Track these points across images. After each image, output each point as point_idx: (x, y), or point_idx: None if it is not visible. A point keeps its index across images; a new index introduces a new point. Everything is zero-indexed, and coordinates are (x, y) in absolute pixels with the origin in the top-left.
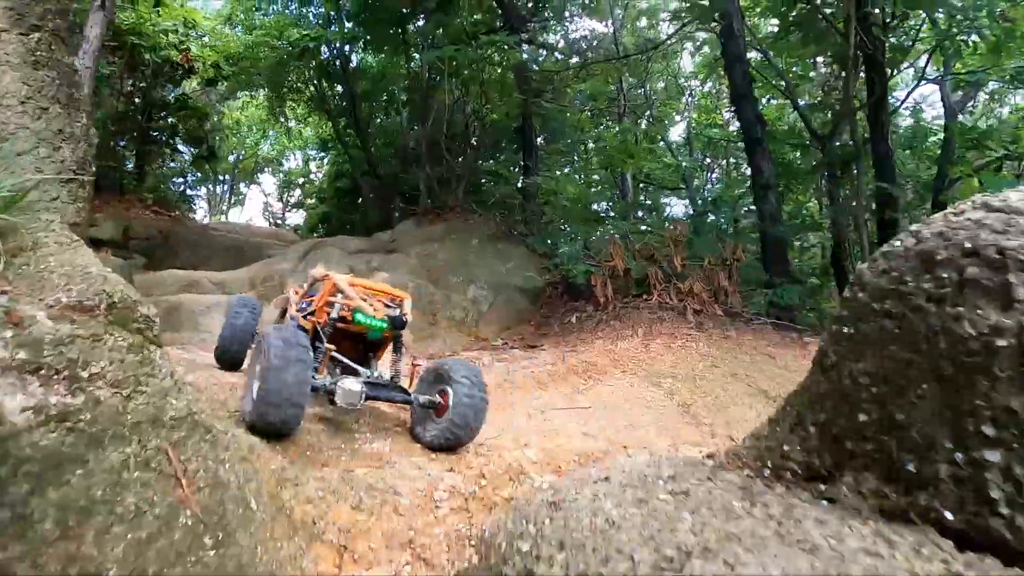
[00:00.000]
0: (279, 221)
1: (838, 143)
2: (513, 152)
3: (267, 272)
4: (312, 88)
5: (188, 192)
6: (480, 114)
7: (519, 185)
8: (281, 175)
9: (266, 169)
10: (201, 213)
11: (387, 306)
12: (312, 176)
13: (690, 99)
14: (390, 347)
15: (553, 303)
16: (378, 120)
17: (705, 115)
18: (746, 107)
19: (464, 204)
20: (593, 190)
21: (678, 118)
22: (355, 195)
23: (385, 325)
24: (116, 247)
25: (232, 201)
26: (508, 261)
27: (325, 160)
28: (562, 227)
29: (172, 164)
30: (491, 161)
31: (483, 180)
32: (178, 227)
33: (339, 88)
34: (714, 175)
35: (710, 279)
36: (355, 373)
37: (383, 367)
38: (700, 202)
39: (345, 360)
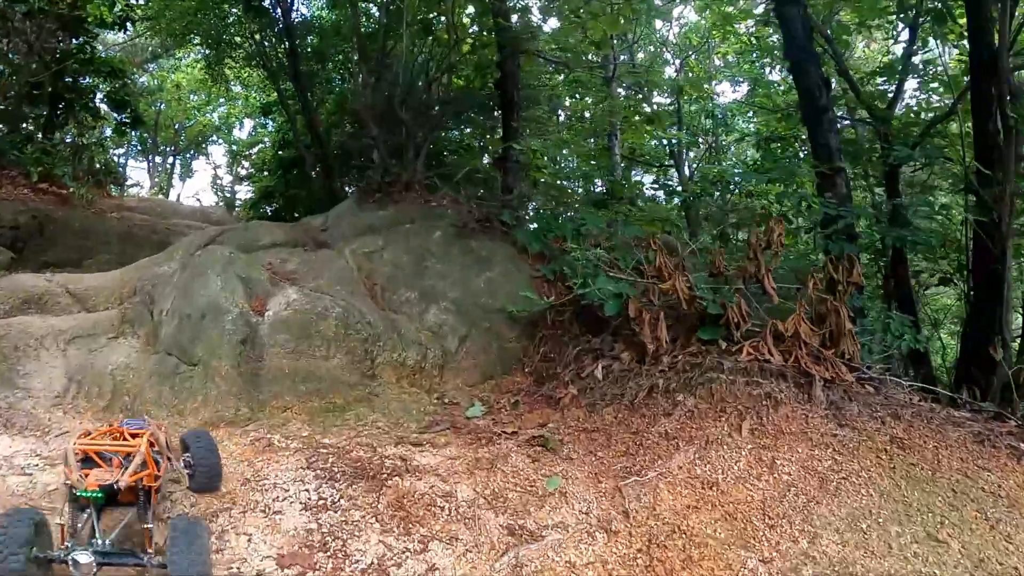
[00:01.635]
0: (229, 195)
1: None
2: (484, 118)
3: (143, 277)
4: (252, 42)
5: (121, 164)
6: (446, 67)
7: (499, 154)
8: (230, 145)
9: (215, 139)
10: (139, 190)
11: (121, 464)
12: (263, 145)
13: (680, 65)
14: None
15: (556, 336)
16: (329, 83)
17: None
18: (807, 65)
19: (425, 180)
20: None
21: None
22: (302, 167)
23: (99, 495)
24: None
25: (180, 174)
26: (488, 268)
27: (271, 127)
28: (559, 212)
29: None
30: (457, 132)
31: (446, 153)
32: (62, 210)
33: (284, 45)
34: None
35: (820, 316)
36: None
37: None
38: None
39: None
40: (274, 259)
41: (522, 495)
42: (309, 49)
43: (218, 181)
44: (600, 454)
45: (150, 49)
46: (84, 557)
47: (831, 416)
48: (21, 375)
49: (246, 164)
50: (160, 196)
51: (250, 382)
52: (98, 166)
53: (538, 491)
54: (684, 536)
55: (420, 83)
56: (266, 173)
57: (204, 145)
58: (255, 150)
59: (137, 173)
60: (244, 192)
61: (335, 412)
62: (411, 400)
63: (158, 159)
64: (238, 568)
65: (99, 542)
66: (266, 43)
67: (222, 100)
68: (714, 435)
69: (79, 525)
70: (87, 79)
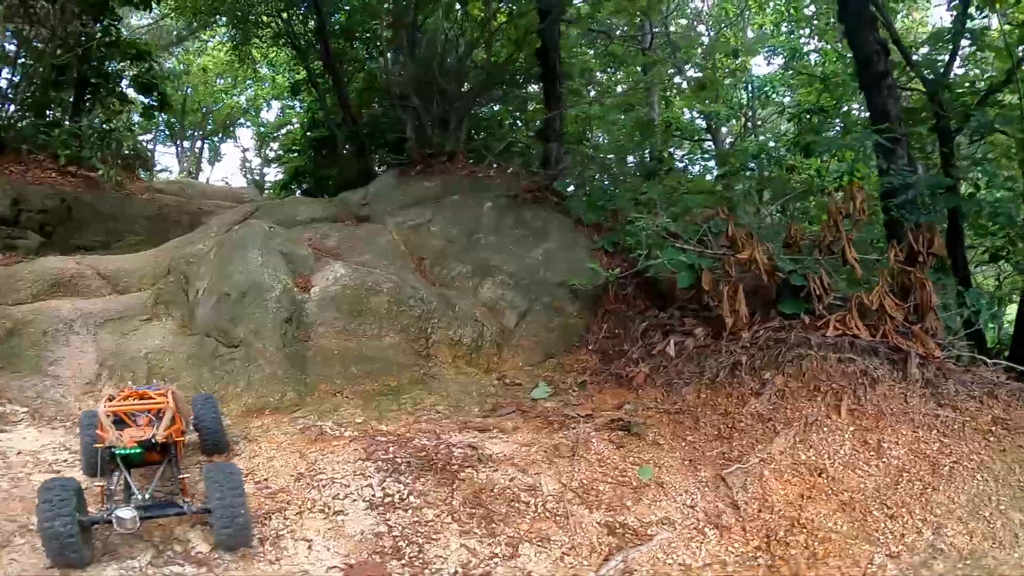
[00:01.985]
0: (258, 178)
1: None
2: (521, 91)
3: (177, 256)
4: (280, 21)
5: (149, 148)
6: (485, 38)
7: (541, 125)
8: (258, 128)
9: (242, 122)
10: (168, 175)
11: (151, 422)
12: (291, 127)
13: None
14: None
15: (620, 311)
16: (358, 61)
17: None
18: (864, 30)
19: (468, 152)
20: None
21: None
22: (332, 147)
23: (137, 451)
24: (3, 223)
25: (209, 158)
26: (543, 239)
27: (300, 108)
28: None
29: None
30: (491, 107)
31: (481, 128)
32: (91, 193)
33: (311, 23)
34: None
35: (903, 289)
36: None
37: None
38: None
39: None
40: (313, 235)
41: (614, 487)
42: (337, 27)
43: (247, 164)
44: (690, 438)
45: (175, 32)
46: (127, 513)
47: (929, 395)
48: (50, 361)
49: (274, 146)
50: (189, 179)
51: (296, 364)
52: (126, 151)
53: (630, 482)
54: (804, 530)
55: (457, 53)
56: (296, 153)
57: (232, 128)
58: (283, 131)
59: (165, 158)
60: (273, 174)
61: (390, 396)
62: (470, 381)
63: (186, 144)
64: None
65: (139, 497)
66: (294, 20)
67: (249, 82)
68: (812, 416)
69: (112, 487)
70: (113, 63)
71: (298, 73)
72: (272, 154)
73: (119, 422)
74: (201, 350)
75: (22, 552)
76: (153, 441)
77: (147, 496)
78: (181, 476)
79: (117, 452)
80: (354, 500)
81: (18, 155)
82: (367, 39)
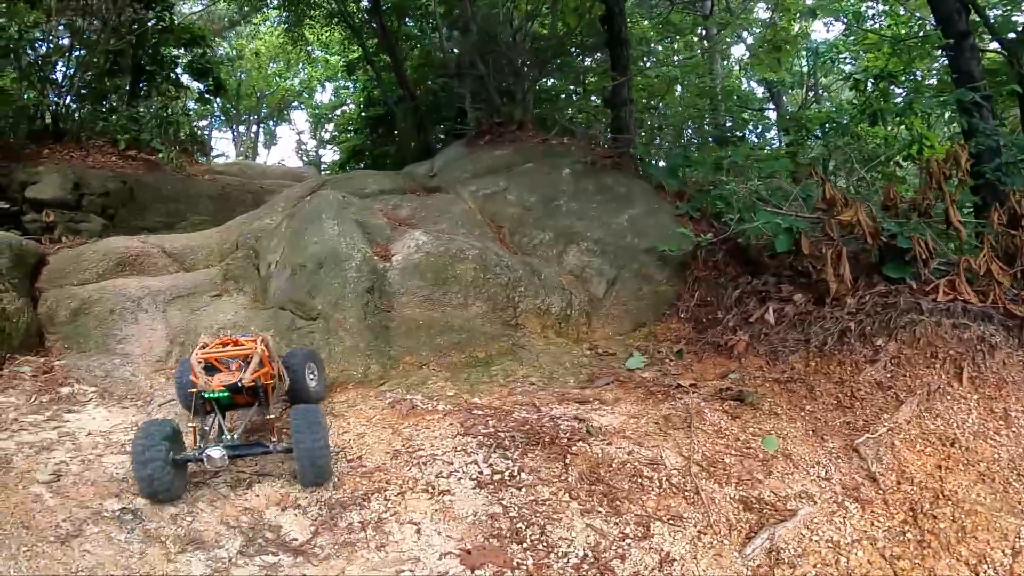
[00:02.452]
0: (313, 160)
1: None
2: (585, 59)
3: (245, 232)
4: (332, 1)
5: (205, 134)
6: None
7: (608, 91)
8: (312, 110)
9: (296, 105)
10: (225, 159)
11: (240, 367)
12: (345, 108)
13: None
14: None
15: (710, 278)
16: (411, 39)
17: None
18: None
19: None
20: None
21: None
22: (389, 124)
23: (225, 395)
24: (65, 207)
25: (264, 142)
26: (628, 205)
27: (354, 87)
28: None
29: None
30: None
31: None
32: (152, 175)
33: (363, 1)
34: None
35: (1008, 254)
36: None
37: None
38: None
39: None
40: (384, 206)
41: (740, 459)
42: (387, 5)
43: (302, 146)
44: (808, 408)
45: (227, 18)
46: (217, 452)
47: None
48: (118, 340)
49: (329, 127)
50: (247, 161)
51: (380, 336)
52: (184, 136)
53: (756, 454)
54: (950, 503)
55: (513, 25)
56: (352, 133)
57: (286, 112)
58: (338, 112)
59: (221, 144)
60: (329, 155)
61: (478, 367)
62: (561, 352)
63: (241, 128)
64: (411, 571)
65: (228, 438)
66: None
67: (302, 65)
68: (934, 385)
69: (207, 428)
70: (167, 50)
71: (352, 53)
72: (327, 135)
73: (211, 368)
74: (276, 324)
75: (96, 543)
76: (240, 385)
77: (236, 437)
78: (268, 417)
79: (207, 396)
80: (460, 478)
81: (78, 142)
82: (419, 16)
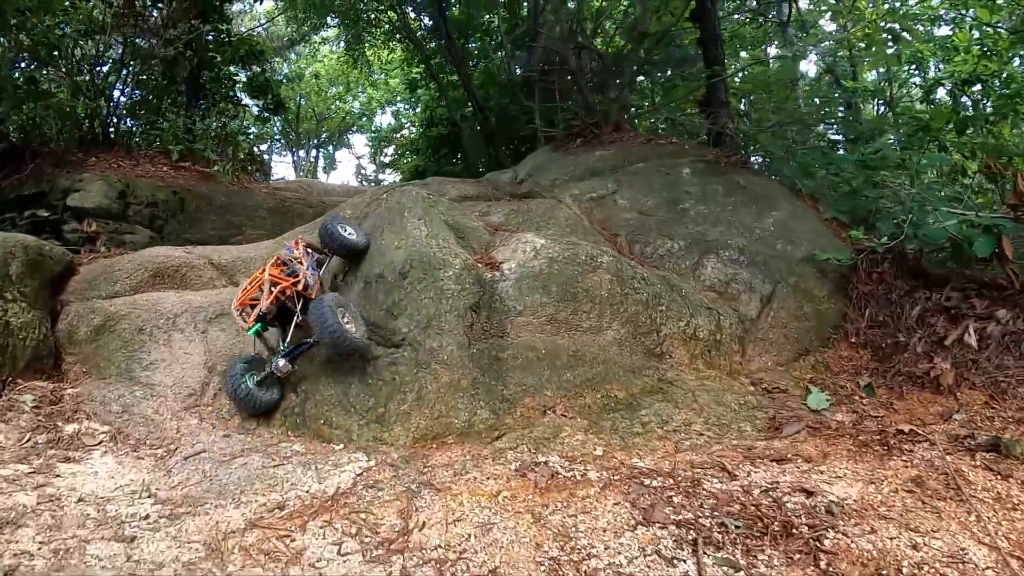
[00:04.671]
0: (374, 183)
1: None
2: (674, 60)
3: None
4: (396, 12)
5: (266, 156)
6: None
7: (704, 90)
8: (372, 133)
9: (355, 129)
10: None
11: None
12: (405, 131)
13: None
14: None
15: (878, 292)
16: (471, 57)
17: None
18: None
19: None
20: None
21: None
22: (452, 144)
23: (260, 325)
24: (109, 216)
25: (323, 166)
26: (770, 207)
27: (415, 109)
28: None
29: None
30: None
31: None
32: (206, 185)
33: (424, 20)
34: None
35: None
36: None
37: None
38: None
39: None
40: (474, 210)
41: None
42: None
43: (362, 170)
44: None
45: (286, 38)
46: (280, 362)
47: None
48: (145, 365)
49: (388, 151)
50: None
51: (488, 370)
52: (242, 155)
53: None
54: None
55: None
56: (414, 155)
57: (346, 136)
58: (398, 135)
59: (281, 168)
60: (389, 179)
61: (622, 412)
62: (719, 388)
63: (301, 153)
64: None
65: (282, 348)
66: (408, 15)
67: (361, 88)
68: None
69: (272, 344)
70: (225, 66)
71: (414, 71)
72: (386, 159)
73: (253, 306)
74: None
75: None
76: (263, 313)
77: (286, 345)
78: (298, 320)
79: (250, 333)
80: None
81: (128, 151)
82: (480, 35)
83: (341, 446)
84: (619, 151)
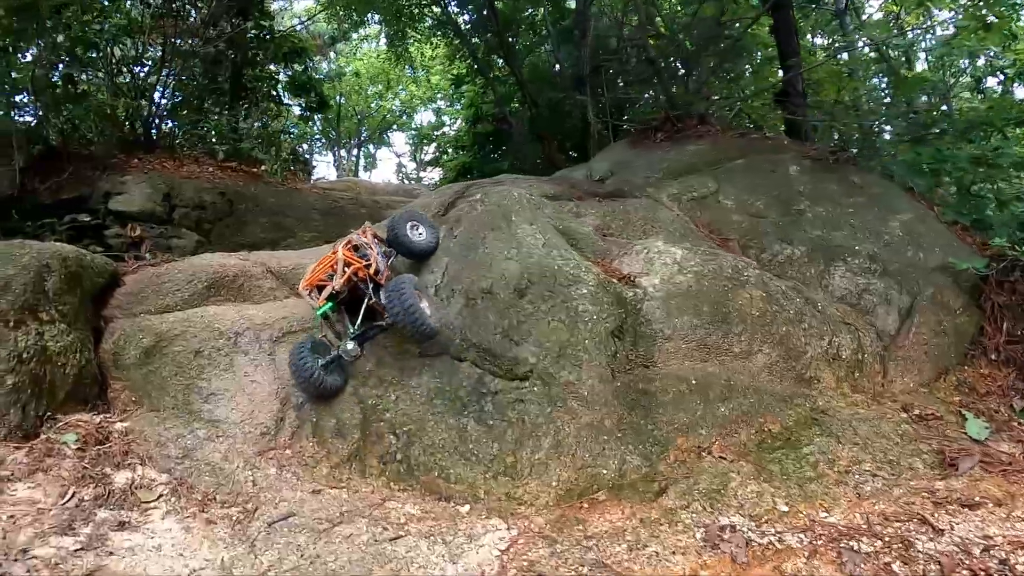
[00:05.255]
0: (415, 182)
1: None
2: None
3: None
4: (437, 9)
5: (307, 156)
6: None
7: (781, 82)
8: (413, 131)
9: (395, 127)
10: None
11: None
12: (446, 129)
13: None
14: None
15: (1012, 304)
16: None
17: None
18: None
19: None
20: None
21: None
22: (498, 141)
23: (331, 305)
24: (154, 220)
25: (364, 165)
26: (892, 210)
27: (459, 105)
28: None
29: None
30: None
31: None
32: (254, 186)
33: (465, 15)
34: None
35: None
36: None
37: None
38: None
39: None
40: (565, 210)
41: None
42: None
43: (402, 169)
44: None
45: (327, 35)
46: (349, 345)
47: None
48: (206, 396)
49: (428, 149)
50: (354, 178)
51: (635, 407)
52: (286, 155)
53: None
54: None
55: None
56: (459, 152)
57: (386, 135)
58: (438, 133)
59: (321, 168)
60: (429, 177)
61: (782, 450)
62: (872, 416)
63: (342, 152)
64: None
65: (351, 331)
66: (452, 9)
67: (402, 87)
68: None
69: (339, 328)
70: (268, 64)
71: (459, 66)
72: (427, 157)
73: (320, 288)
74: (450, 385)
75: None
76: (335, 292)
77: (356, 328)
78: (371, 301)
79: (319, 312)
80: None
81: (171, 153)
82: (526, 28)
83: (467, 507)
84: (712, 146)
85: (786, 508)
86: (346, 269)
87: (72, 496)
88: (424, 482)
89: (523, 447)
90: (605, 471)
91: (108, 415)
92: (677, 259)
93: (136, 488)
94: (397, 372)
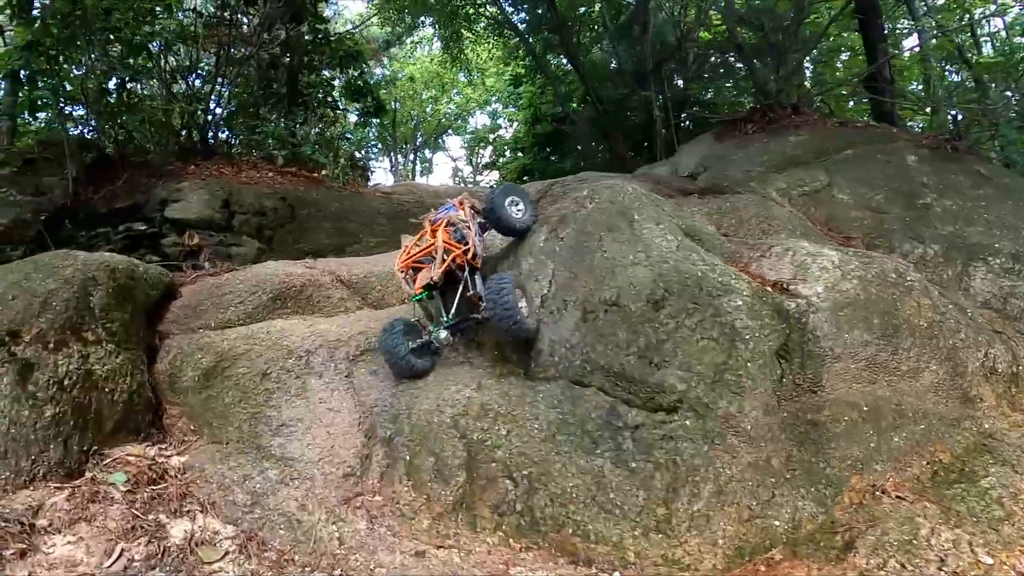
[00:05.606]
0: (472, 185)
1: None
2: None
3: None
4: (494, 9)
5: (364, 160)
6: None
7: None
8: (468, 135)
9: (451, 132)
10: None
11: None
12: (502, 132)
13: None
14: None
15: None
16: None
17: None
18: None
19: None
20: None
21: None
22: (558, 141)
23: (427, 293)
24: (212, 227)
25: (420, 169)
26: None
27: (515, 107)
28: None
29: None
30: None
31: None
32: (316, 191)
33: (519, 14)
34: None
35: None
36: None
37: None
38: None
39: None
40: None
41: None
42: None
43: (458, 173)
44: None
45: (382, 38)
46: (442, 333)
47: None
48: (274, 428)
49: (484, 152)
50: (415, 182)
51: (804, 441)
52: (344, 160)
53: None
54: None
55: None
56: (518, 154)
57: (441, 139)
58: (493, 136)
59: (378, 175)
60: (486, 180)
61: (959, 484)
62: None
63: (399, 157)
64: None
65: (444, 319)
66: (507, 8)
67: (456, 91)
68: None
69: (432, 313)
70: (324, 68)
71: (517, 66)
72: (483, 160)
73: (414, 270)
74: (575, 416)
75: None
76: (433, 282)
77: (450, 317)
78: (468, 293)
79: (415, 299)
80: None
81: (229, 159)
82: (580, 25)
83: (616, 575)
84: (815, 136)
85: (990, 560)
86: (445, 256)
87: (120, 556)
88: (554, 540)
89: (678, 496)
90: (777, 522)
91: (163, 446)
92: (835, 262)
93: (197, 544)
94: (503, 400)
